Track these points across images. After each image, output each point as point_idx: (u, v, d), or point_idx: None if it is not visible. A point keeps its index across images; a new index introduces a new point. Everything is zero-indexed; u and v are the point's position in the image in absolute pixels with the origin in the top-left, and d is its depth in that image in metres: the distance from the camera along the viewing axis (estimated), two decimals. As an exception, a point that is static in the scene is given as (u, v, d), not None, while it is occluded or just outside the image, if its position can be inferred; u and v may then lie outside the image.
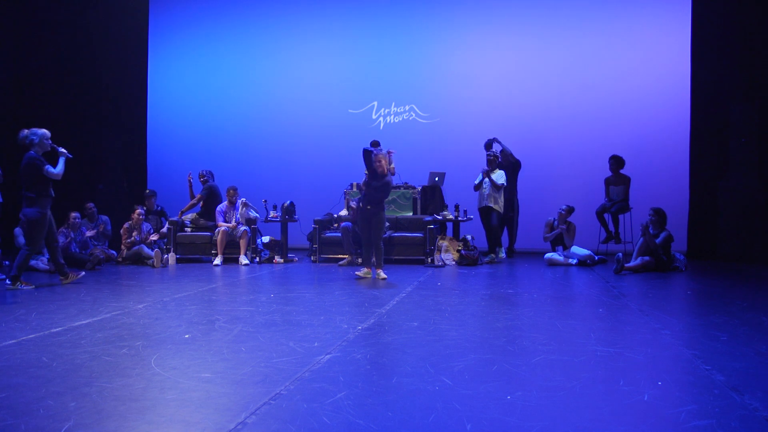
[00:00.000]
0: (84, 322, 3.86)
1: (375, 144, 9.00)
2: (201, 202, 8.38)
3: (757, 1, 8.09)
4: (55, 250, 5.84)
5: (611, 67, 9.40)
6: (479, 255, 7.75)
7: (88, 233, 7.54)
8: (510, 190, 8.44)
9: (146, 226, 8.02)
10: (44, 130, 5.66)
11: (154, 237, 7.91)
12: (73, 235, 7.41)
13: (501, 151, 8.22)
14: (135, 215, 7.91)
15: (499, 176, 7.82)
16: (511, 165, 8.48)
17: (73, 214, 7.49)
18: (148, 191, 8.76)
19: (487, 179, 7.84)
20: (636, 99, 9.26)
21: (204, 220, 8.25)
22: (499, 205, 7.84)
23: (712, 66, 8.52)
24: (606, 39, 9.46)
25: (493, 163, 7.89)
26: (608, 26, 9.46)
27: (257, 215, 8.17)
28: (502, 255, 7.85)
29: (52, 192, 5.64)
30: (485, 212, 7.91)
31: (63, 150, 5.74)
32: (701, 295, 5.31)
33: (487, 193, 7.84)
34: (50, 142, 5.70)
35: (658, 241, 6.80)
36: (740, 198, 7.98)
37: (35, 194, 5.50)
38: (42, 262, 6.93)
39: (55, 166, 5.61)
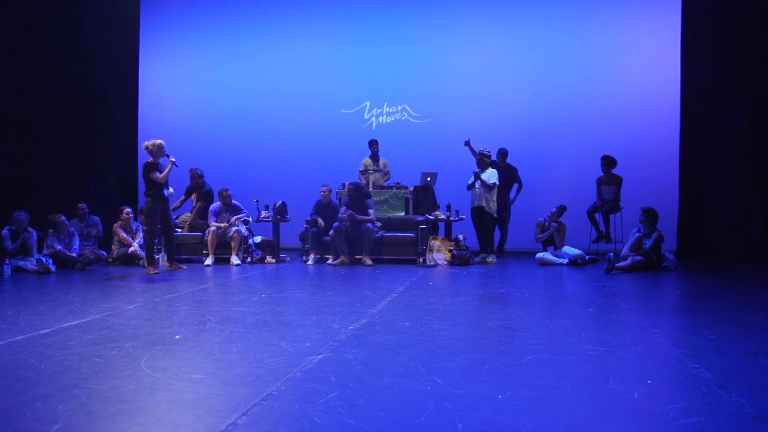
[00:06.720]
0: (73, 323, 3.83)
1: (373, 143, 9.01)
2: (199, 203, 8.38)
3: (746, 3, 8.15)
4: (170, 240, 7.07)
5: (602, 68, 9.46)
6: (471, 255, 7.76)
7: (58, 247, 7.32)
8: (505, 191, 8.48)
9: (135, 225, 8.00)
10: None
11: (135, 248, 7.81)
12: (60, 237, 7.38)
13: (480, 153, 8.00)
14: (124, 215, 7.88)
15: (489, 176, 7.81)
16: (510, 169, 8.55)
17: (60, 218, 7.42)
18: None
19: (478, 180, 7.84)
20: (627, 100, 9.32)
21: (199, 220, 8.23)
22: (491, 207, 7.83)
23: (702, 67, 8.58)
24: (597, 40, 9.52)
25: (483, 163, 7.89)
26: (599, 28, 9.51)
27: (248, 218, 8.17)
28: (494, 260, 7.85)
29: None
30: (477, 213, 7.92)
31: (173, 158, 6.79)
32: (690, 294, 5.35)
33: (479, 193, 7.84)
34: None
35: (649, 242, 6.85)
36: (729, 198, 8.04)
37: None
38: (30, 263, 6.87)
39: None
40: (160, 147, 6.78)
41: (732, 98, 8.25)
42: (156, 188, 6.72)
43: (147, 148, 6.81)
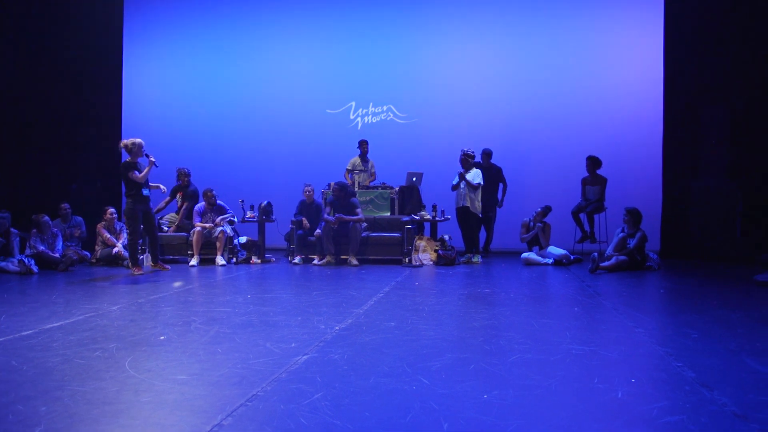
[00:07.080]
0: (56, 324, 3.78)
1: (363, 143, 9.01)
2: (185, 204, 8.33)
3: (728, 4, 8.27)
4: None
5: (587, 69, 9.54)
6: (456, 255, 7.79)
7: (41, 247, 7.24)
8: (491, 192, 8.51)
9: (119, 225, 7.92)
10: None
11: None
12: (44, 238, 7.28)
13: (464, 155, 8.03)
14: (107, 215, 7.80)
15: (474, 176, 7.84)
16: (494, 169, 8.58)
17: (43, 218, 7.32)
18: None
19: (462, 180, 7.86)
20: (611, 101, 9.41)
21: (185, 221, 8.18)
22: (475, 207, 7.86)
23: (685, 69, 8.69)
24: (581, 42, 9.60)
25: (466, 164, 7.91)
26: (583, 30, 9.60)
27: (233, 218, 8.12)
28: (479, 260, 7.89)
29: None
30: (462, 213, 7.95)
31: (152, 158, 6.61)
32: (674, 293, 5.41)
33: (464, 193, 7.87)
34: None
35: (633, 242, 6.92)
36: (711, 198, 8.15)
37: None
38: (12, 264, 6.78)
39: None
40: (140, 146, 6.61)
41: (714, 99, 8.36)
42: (136, 188, 6.56)
43: (126, 146, 6.64)
